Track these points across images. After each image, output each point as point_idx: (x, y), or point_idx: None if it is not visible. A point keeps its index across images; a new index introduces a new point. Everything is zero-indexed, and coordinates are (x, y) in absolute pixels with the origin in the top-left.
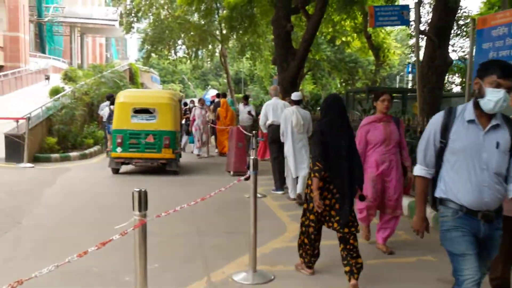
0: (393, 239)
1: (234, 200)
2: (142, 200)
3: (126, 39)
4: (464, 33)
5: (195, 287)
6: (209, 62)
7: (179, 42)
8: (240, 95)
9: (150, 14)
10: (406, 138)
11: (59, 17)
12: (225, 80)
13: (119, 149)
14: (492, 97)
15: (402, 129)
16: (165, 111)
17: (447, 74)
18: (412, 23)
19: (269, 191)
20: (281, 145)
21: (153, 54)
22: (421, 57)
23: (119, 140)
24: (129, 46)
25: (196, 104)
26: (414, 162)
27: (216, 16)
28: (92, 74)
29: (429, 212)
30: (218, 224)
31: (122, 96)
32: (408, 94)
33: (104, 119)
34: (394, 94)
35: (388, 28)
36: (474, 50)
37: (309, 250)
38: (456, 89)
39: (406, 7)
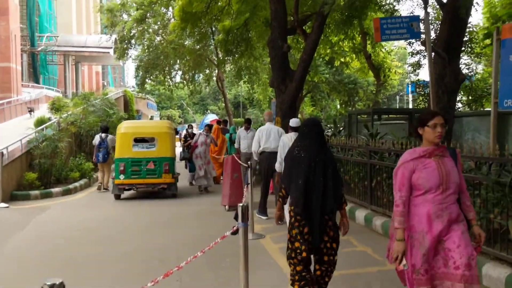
0: None
1: (228, 246)
2: None
3: (123, 67)
4: (469, 49)
5: None
6: (207, 87)
7: (175, 67)
8: (240, 120)
9: (144, 40)
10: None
11: (52, 46)
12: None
13: (122, 176)
14: None
15: (460, 165)
16: (164, 139)
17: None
18: (422, 36)
19: (268, 229)
20: (271, 172)
21: (148, 80)
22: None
23: (121, 168)
24: (126, 73)
25: (200, 130)
26: None
27: (212, 40)
28: (81, 103)
29: None
30: (207, 279)
31: (123, 128)
32: (416, 114)
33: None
34: (400, 116)
35: (389, 46)
36: (498, 63)
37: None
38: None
39: (416, 18)
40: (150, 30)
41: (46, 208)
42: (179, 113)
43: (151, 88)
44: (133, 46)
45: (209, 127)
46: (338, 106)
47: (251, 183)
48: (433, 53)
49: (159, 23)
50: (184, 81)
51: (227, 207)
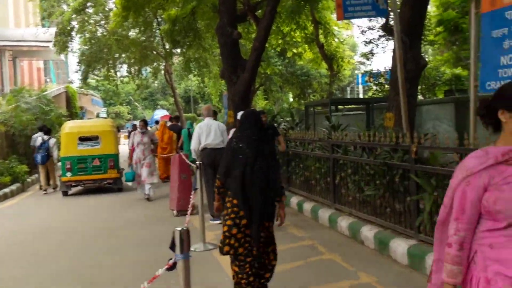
0: None
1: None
2: None
3: (66, 62)
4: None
5: None
6: (155, 81)
7: (120, 60)
8: (192, 115)
9: (85, 32)
10: (396, 164)
11: None
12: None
13: (68, 174)
14: None
15: None
16: (107, 137)
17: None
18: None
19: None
20: (215, 169)
21: (91, 75)
22: (389, 63)
23: (68, 166)
24: (70, 68)
25: (152, 125)
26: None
27: (157, 30)
28: (14, 100)
29: None
30: None
31: (67, 127)
32: (375, 104)
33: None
34: (357, 106)
35: (340, 35)
36: (477, 41)
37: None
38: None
39: None
40: (92, 21)
41: None
42: (127, 110)
43: (97, 84)
44: (73, 38)
45: (144, 122)
46: (291, 99)
47: (201, 187)
48: (391, 38)
49: (100, 13)
50: (130, 75)
51: (175, 212)
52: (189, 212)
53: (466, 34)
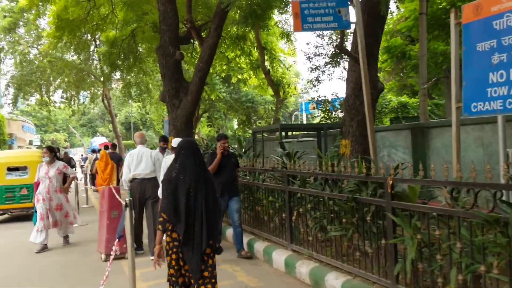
0: None
1: None
2: None
3: None
4: None
5: None
6: (95, 107)
7: (54, 84)
8: (131, 142)
9: (16, 53)
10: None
11: None
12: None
13: None
14: None
15: None
16: (35, 167)
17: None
18: (353, 26)
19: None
20: (144, 204)
21: (21, 99)
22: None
23: None
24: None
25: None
26: None
27: (95, 53)
28: None
29: None
30: None
31: None
32: (329, 130)
33: None
34: (307, 132)
35: (286, 62)
36: (457, 56)
37: None
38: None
39: (344, 3)
40: (23, 41)
41: None
42: (64, 137)
43: (31, 110)
44: (2, 60)
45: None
46: (235, 126)
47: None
48: (348, 60)
49: (33, 33)
50: (66, 101)
51: (103, 256)
52: (112, 256)
53: (413, 61)
